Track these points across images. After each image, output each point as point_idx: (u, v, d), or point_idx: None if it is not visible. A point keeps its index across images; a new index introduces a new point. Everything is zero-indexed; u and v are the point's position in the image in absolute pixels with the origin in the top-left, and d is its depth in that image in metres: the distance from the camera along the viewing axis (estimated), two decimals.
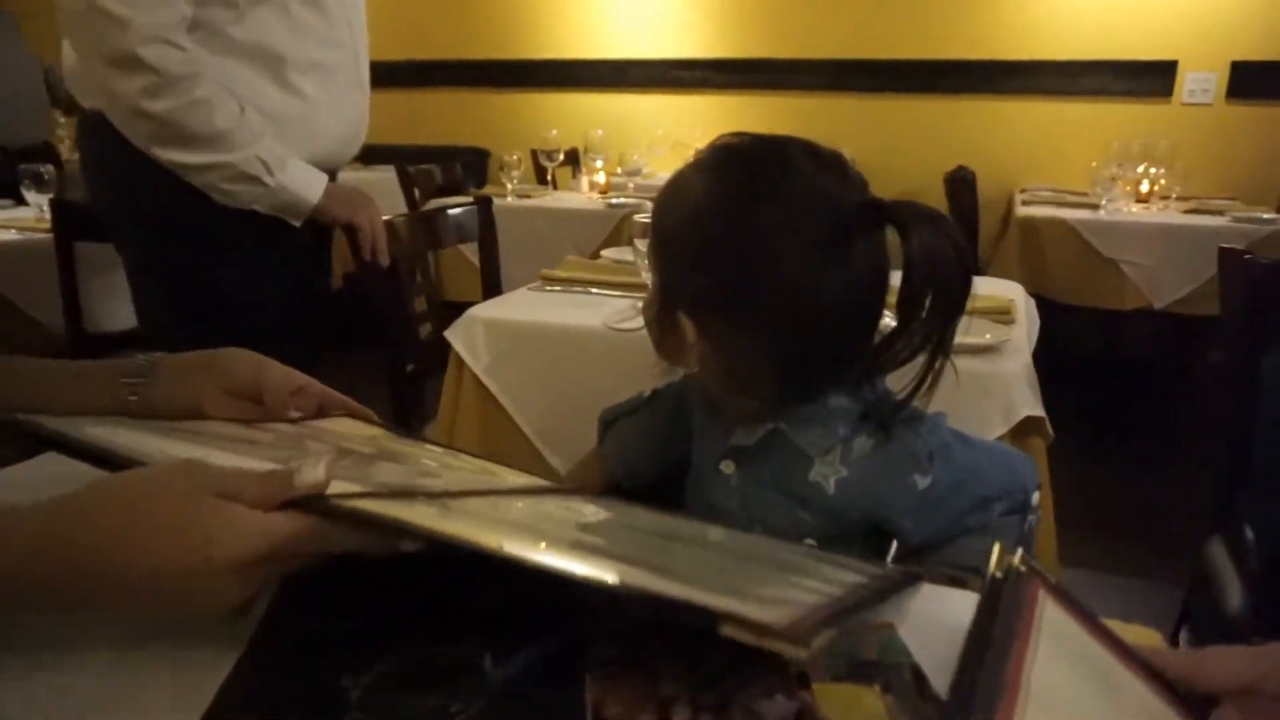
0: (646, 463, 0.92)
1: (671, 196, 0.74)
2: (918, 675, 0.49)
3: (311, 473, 0.48)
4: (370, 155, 3.98)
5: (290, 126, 1.35)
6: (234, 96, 1.28)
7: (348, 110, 1.46)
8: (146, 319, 1.49)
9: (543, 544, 0.48)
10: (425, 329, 1.81)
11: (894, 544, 0.77)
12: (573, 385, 1.33)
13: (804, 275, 0.68)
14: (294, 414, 0.77)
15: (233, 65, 1.29)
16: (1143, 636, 0.56)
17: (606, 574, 0.42)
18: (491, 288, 1.90)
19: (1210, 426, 1.81)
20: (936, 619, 0.54)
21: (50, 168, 2.49)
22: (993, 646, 0.40)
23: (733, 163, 0.72)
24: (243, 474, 0.48)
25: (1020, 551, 0.47)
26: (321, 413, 0.79)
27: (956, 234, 0.68)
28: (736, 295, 0.70)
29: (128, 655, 0.47)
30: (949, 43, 4.19)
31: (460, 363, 1.40)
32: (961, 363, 1.19)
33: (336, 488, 0.49)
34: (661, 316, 0.75)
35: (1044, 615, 0.44)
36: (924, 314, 0.68)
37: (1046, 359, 1.62)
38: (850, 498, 0.75)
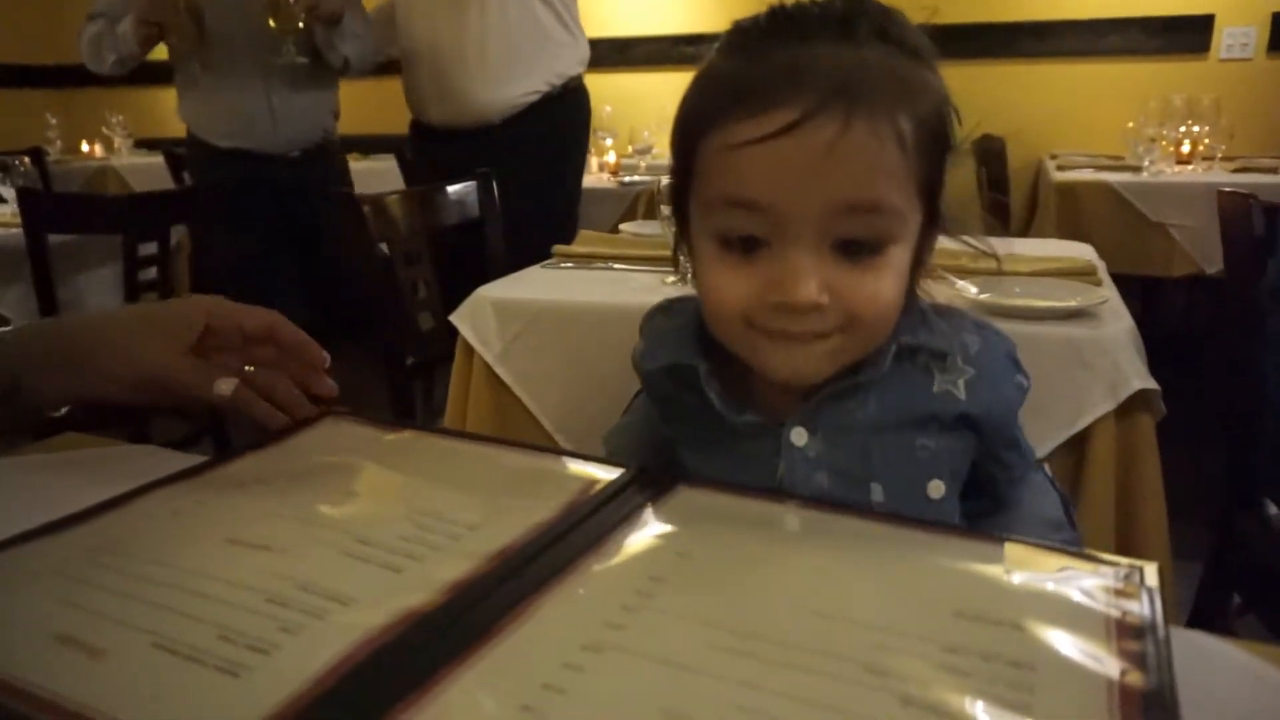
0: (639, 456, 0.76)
1: (931, 97, 0.57)
2: None
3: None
4: (371, 144, 3.84)
5: None
6: None
7: None
8: None
9: None
10: (427, 319, 1.64)
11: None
12: (595, 371, 1.16)
13: None
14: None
15: None
16: None
17: None
18: (495, 270, 1.73)
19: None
20: None
21: (26, 160, 2.33)
22: None
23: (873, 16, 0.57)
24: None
25: None
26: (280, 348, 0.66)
27: None
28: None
29: None
30: (965, 6, 3.99)
31: (469, 350, 1.24)
32: (1052, 329, 1.03)
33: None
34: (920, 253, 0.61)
35: None
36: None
37: None
38: (981, 399, 0.63)
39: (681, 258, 0.66)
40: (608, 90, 4.47)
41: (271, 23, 1.98)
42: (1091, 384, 0.98)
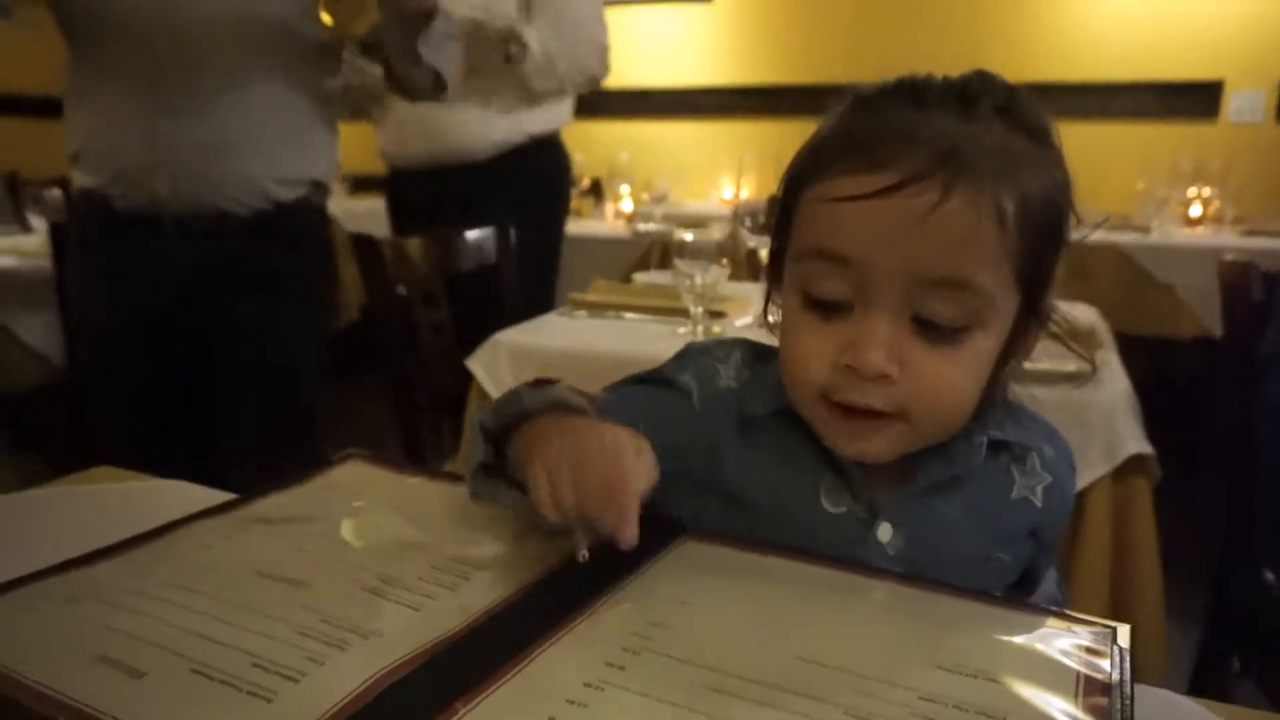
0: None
1: (1045, 183, 0.56)
2: None
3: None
4: (360, 183, 3.91)
5: None
6: None
7: None
8: None
9: None
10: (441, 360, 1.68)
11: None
12: None
13: None
14: None
15: None
16: None
17: None
18: (511, 315, 1.77)
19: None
20: None
21: (57, 191, 2.40)
22: None
23: (1001, 95, 0.57)
24: None
25: None
26: None
27: None
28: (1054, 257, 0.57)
29: None
30: (974, 66, 4.07)
31: (483, 394, 1.27)
32: (1051, 391, 1.06)
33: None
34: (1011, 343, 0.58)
35: None
36: None
37: None
38: (1053, 509, 0.63)
39: (770, 317, 0.63)
40: (624, 138, 4.58)
41: (325, 16, 1.16)
42: (1089, 446, 1.01)
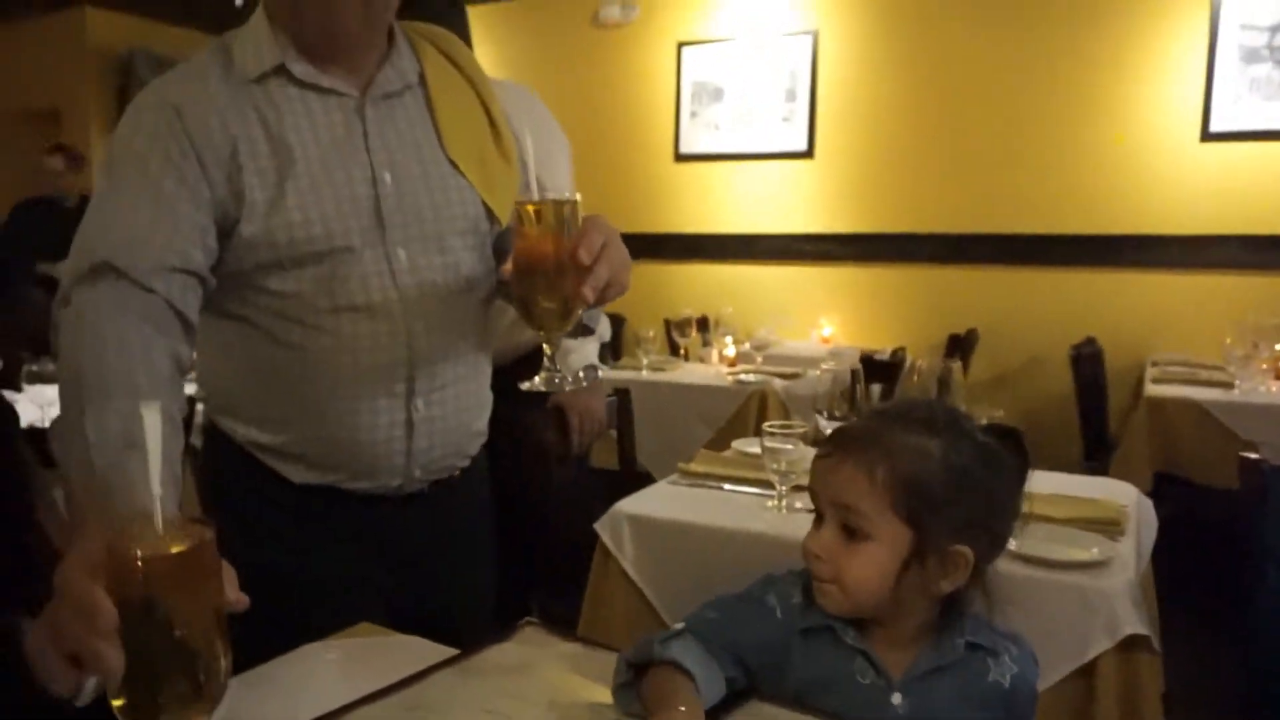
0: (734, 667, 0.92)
1: (918, 461, 0.92)
2: None
3: None
4: None
5: None
6: None
7: None
8: None
9: None
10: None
11: None
12: (708, 580, 1.48)
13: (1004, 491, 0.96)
14: None
15: None
16: None
17: None
18: (631, 475, 2.10)
19: None
20: None
21: None
22: None
23: (937, 420, 0.95)
24: None
25: None
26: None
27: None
28: (979, 518, 0.93)
29: None
30: (1068, 217, 4.31)
31: (607, 552, 1.58)
32: (1066, 577, 1.30)
33: None
34: (914, 562, 0.91)
35: None
36: None
37: (1176, 536, 1.67)
38: (1018, 690, 0.93)
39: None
40: (730, 280, 4.96)
41: (543, 300, 1.04)
42: (1093, 624, 1.24)
